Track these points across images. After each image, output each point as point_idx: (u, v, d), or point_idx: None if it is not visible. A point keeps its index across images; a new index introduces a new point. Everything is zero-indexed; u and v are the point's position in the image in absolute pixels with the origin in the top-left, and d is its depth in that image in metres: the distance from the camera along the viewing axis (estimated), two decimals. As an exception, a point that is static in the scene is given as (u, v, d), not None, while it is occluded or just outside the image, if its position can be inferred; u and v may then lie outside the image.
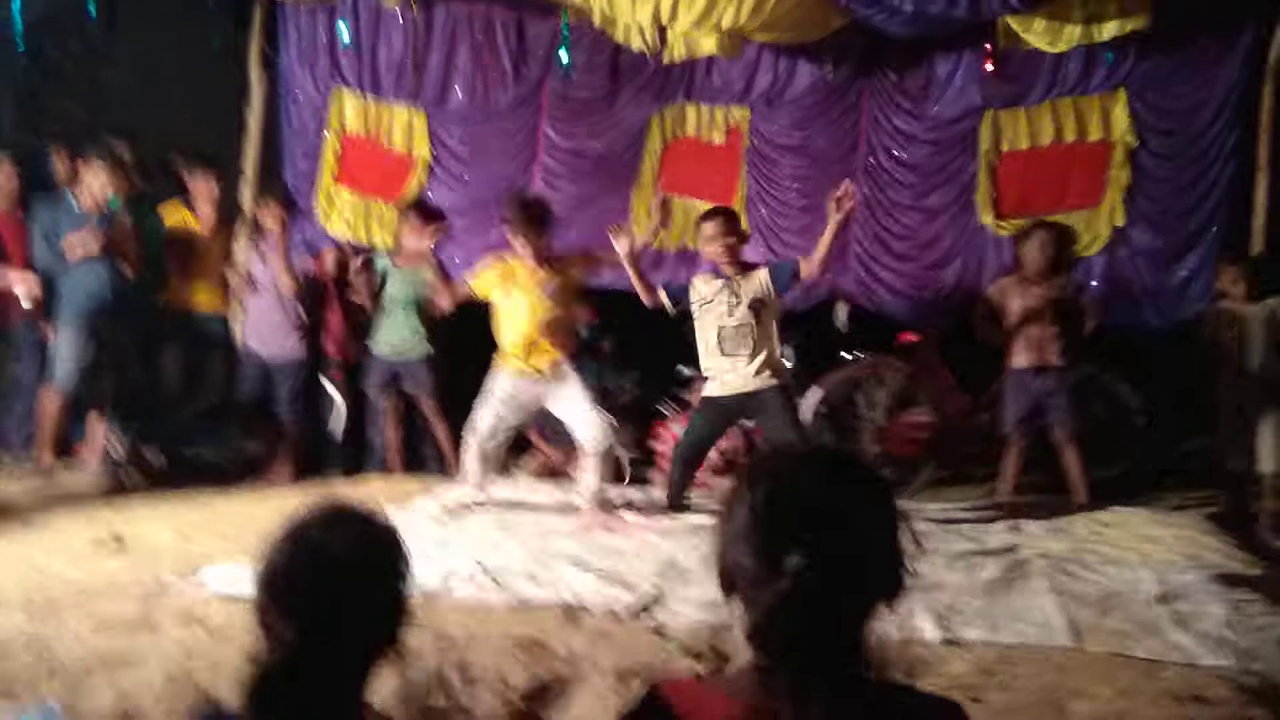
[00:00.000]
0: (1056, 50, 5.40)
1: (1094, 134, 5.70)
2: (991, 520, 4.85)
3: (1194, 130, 5.52)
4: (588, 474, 4.82)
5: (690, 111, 6.16)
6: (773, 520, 1.22)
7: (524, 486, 5.55)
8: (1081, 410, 5.30)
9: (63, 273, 5.39)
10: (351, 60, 6.29)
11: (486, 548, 4.17)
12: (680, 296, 4.93)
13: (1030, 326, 5.25)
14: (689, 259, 6.06)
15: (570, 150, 6.20)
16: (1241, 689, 2.77)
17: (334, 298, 6.05)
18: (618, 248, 4.83)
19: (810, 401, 5.76)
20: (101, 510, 4.66)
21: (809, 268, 4.72)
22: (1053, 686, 2.81)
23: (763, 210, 6.07)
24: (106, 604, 3.32)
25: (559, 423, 5.08)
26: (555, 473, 5.89)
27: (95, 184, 5.41)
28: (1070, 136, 5.75)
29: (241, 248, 5.97)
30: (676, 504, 4.88)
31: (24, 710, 2.33)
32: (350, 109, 6.32)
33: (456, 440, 5.25)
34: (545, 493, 5.30)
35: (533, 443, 6.12)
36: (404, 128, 6.31)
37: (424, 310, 5.80)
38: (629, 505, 5.01)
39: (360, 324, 6.01)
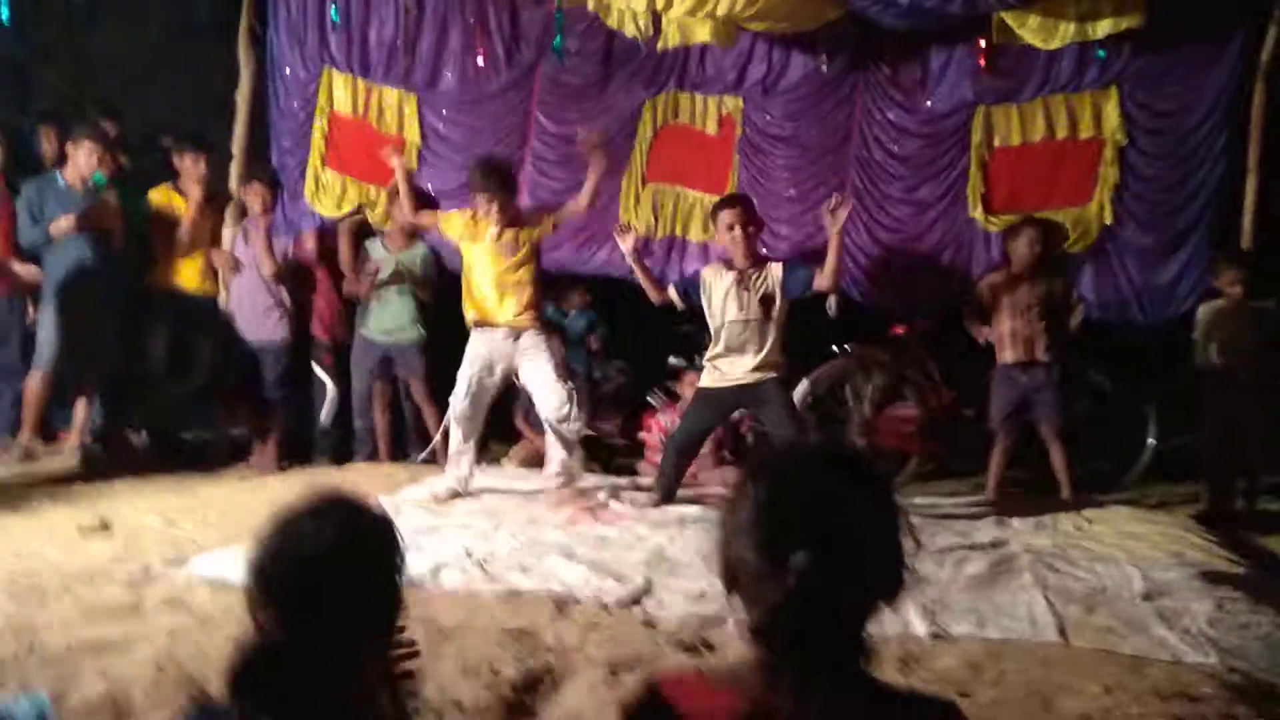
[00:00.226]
0: (1050, 47, 5.40)
1: (1085, 131, 5.71)
2: (978, 515, 4.87)
3: (1184, 129, 5.53)
4: (554, 447, 4.87)
5: (683, 100, 6.13)
6: (777, 517, 1.22)
7: (511, 474, 5.55)
8: (1068, 406, 5.33)
9: (47, 251, 5.34)
10: (341, 40, 6.23)
11: (476, 537, 4.16)
12: (690, 291, 4.93)
13: (1018, 322, 5.27)
14: (680, 247, 6.06)
15: (561, 135, 6.16)
16: (1226, 686, 2.80)
17: (320, 280, 6.03)
18: (622, 246, 4.88)
19: (798, 394, 5.77)
20: (87, 494, 4.62)
21: (822, 281, 4.77)
22: (1040, 682, 2.83)
23: (754, 200, 6.04)
24: (93, 590, 3.30)
25: None
26: (543, 460, 5.88)
27: (81, 161, 5.36)
28: (1062, 133, 5.75)
29: (227, 228, 5.92)
30: (669, 495, 4.89)
31: (12, 698, 2.31)
32: (339, 89, 6.27)
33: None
34: (533, 481, 5.29)
35: (520, 431, 6.12)
36: (394, 109, 6.26)
37: (416, 294, 5.78)
38: (615, 494, 5.01)
39: (349, 307, 5.99)
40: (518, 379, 5.04)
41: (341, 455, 5.89)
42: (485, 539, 4.15)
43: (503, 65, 6.17)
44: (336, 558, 1.40)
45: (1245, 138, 5.44)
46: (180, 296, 5.85)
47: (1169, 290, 5.54)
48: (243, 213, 5.93)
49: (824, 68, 5.94)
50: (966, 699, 2.65)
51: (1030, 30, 5.37)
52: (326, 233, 6.14)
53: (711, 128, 6.13)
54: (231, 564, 3.14)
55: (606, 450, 6.28)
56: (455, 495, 4.89)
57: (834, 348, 5.98)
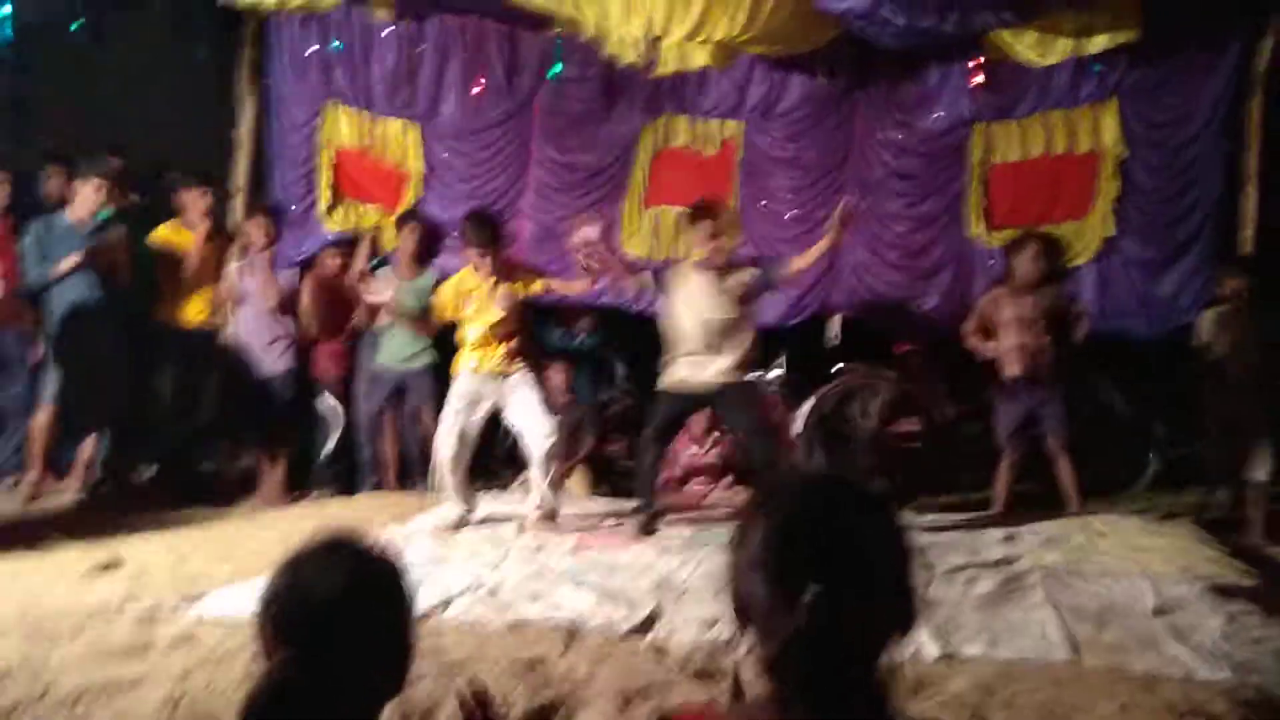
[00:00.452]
0: (1046, 64, 5.43)
1: (1084, 145, 5.74)
2: (987, 531, 4.86)
3: (1182, 141, 5.56)
4: (536, 477, 4.92)
5: (683, 124, 6.18)
6: (788, 552, 1.22)
7: (517, 501, 5.54)
8: (1074, 419, 5.32)
9: (53, 288, 5.37)
10: (344, 74, 6.27)
11: (484, 566, 4.16)
12: (662, 277, 5.01)
13: (1022, 337, 5.27)
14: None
15: (562, 163, 6.21)
16: (1239, 702, 2.79)
17: (325, 314, 6.01)
18: (579, 236, 4.99)
19: (803, 413, 5.78)
20: (96, 531, 4.62)
21: (789, 270, 4.85)
22: (1053, 702, 2.82)
23: (756, 222, 6.07)
24: (105, 630, 3.30)
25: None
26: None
27: (90, 196, 5.40)
28: (1060, 148, 5.78)
29: (231, 261, 5.96)
30: (648, 494, 4.89)
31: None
32: (343, 123, 6.32)
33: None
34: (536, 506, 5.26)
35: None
36: (398, 141, 6.31)
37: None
38: (618, 519, 5.01)
39: (354, 338, 6.02)
40: (505, 417, 5.11)
41: (347, 485, 5.89)
42: (494, 568, 4.15)
43: (503, 94, 6.21)
44: (347, 599, 1.41)
45: (1244, 148, 5.46)
46: (186, 331, 5.88)
47: (1171, 302, 5.55)
48: (246, 244, 5.96)
49: (823, 88, 5.98)
50: (980, 722, 2.64)
51: (1027, 47, 5.41)
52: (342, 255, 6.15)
53: (711, 151, 6.18)
54: (242, 602, 3.15)
55: (614, 472, 6.27)
56: (463, 523, 4.90)
57: (837, 367, 5.99)
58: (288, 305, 5.87)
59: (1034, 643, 3.31)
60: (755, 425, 4.83)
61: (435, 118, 6.28)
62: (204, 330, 5.92)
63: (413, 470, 5.94)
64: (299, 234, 6.26)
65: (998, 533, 4.83)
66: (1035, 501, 5.41)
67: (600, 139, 6.18)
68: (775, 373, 6.11)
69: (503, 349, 4.98)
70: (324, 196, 6.29)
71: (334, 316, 6.00)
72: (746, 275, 4.81)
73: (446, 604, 3.62)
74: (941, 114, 5.91)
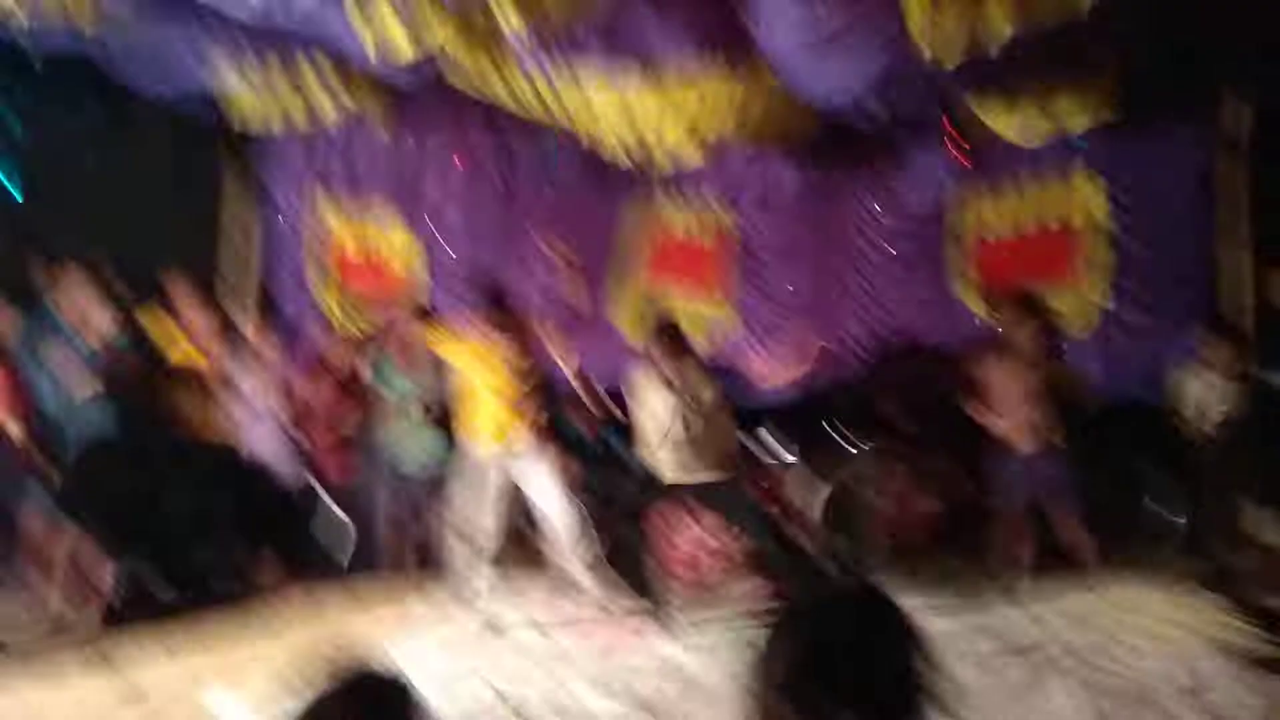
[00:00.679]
0: (1031, 146, 5.55)
1: (1070, 218, 5.83)
2: (1012, 611, 4.81)
3: (1171, 210, 5.64)
4: (583, 577, 4.79)
5: (680, 217, 6.30)
6: (815, 675, 1.23)
7: (539, 605, 5.46)
8: (1098, 487, 5.27)
9: (71, 414, 5.41)
10: (340, 182, 6.42)
11: (507, 681, 4.10)
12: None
13: (1028, 412, 5.26)
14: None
15: (563, 254, 6.30)
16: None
17: (324, 417, 6.02)
18: (566, 370, 4.96)
19: (820, 496, 5.76)
20: (115, 658, 4.59)
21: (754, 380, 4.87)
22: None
23: (757, 311, 6.16)
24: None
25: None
26: None
27: (99, 320, 5.46)
28: (1045, 221, 5.87)
29: (233, 366, 5.99)
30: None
31: None
32: (340, 230, 6.45)
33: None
34: (562, 612, 5.19)
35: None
36: (397, 249, 6.42)
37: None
38: (639, 617, 4.95)
39: (356, 436, 6.01)
40: (524, 490, 4.99)
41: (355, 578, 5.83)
42: (517, 682, 4.09)
43: (502, 197, 6.36)
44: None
45: (1235, 215, 5.54)
46: (198, 445, 5.88)
47: (1175, 369, 5.56)
48: (245, 348, 5.99)
49: (813, 175, 6.11)
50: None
51: (1010, 129, 5.53)
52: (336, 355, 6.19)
53: (707, 241, 6.29)
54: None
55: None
56: (486, 629, 4.84)
57: (848, 446, 5.99)
58: (287, 405, 5.87)
59: (1069, 733, 3.27)
60: (759, 528, 4.79)
61: (434, 224, 6.40)
62: (214, 444, 5.92)
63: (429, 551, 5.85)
64: (298, 330, 6.35)
65: (1024, 615, 4.77)
66: (1052, 568, 5.30)
67: (601, 233, 6.30)
68: (788, 458, 6.10)
69: (519, 423, 4.85)
70: (324, 299, 6.38)
71: (336, 414, 6.03)
72: (715, 386, 4.76)
73: (471, 724, 3.57)
74: (926, 191, 6.03)
